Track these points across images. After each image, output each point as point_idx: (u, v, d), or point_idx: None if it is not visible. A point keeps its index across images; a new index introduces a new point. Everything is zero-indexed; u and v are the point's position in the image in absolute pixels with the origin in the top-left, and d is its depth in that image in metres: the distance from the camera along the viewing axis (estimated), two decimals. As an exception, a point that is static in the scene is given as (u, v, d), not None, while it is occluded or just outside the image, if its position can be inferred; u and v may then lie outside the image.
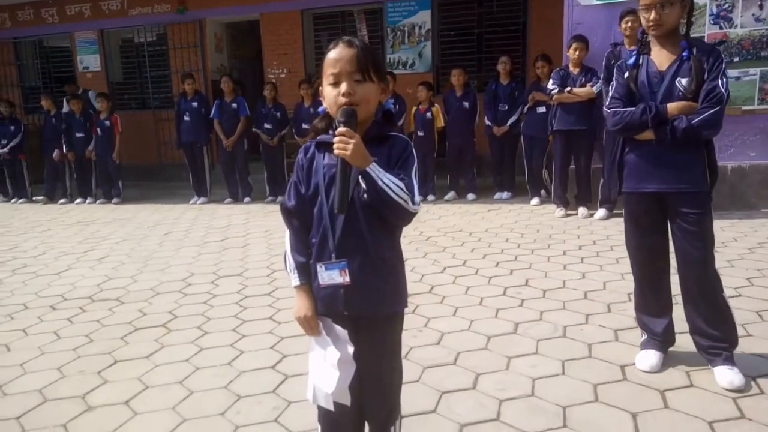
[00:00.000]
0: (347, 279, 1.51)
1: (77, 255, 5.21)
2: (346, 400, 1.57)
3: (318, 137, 1.59)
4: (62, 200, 8.48)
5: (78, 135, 8.22)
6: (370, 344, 1.59)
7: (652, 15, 2.27)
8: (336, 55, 1.48)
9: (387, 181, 1.43)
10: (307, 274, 1.58)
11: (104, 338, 3.20)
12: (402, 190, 1.44)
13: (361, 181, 1.45)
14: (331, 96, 1.49)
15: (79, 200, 8.40)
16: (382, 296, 1.56)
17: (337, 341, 1.55)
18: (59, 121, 8.41)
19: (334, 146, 1.41)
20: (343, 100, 1.46)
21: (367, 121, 1.53)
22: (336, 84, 1.48)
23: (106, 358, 2.93)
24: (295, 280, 1.60)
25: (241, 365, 2.76)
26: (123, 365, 2.84)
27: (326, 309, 1.56)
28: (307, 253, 1.59)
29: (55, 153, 8.36)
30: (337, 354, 1.53)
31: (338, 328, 1.55)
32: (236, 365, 2.77)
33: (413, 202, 1.46)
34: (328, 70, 1.49)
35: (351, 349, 1.54)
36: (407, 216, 1.49)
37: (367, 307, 1.56)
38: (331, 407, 1.57)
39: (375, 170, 1.42)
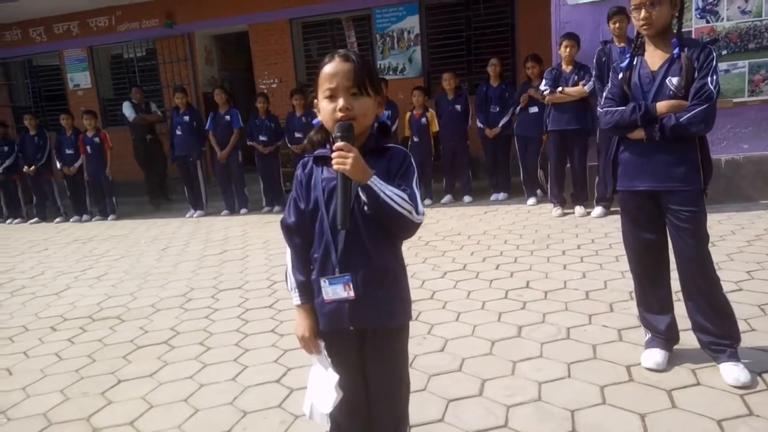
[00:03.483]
0: (351, 294, 1.49)
1: (76, 274, 5.19)
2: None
3: (316, 152, 1.58)
4: (58, 219, 8.44)
5: (68, 152, 8.18)
6: (377, 357, 1.58)
7: (642, 14, 2.29)
8: (332, 69, 1.47)
9: (389, 193, 1.42)
10: (308, 293, 1.57)
11: (106, 358, 3.18)
12: (405, 200, 1.43)
13: (362, 194, 1.44)
14: (328, 110, 1.48)
15: (74, 218, 8.37)
16: (388, 309, 1.54)
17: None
18: (42, 140, 8.37)
19: (333, 161, 1.40)
20: (340, 115, 1.45)
21: (364, 134, 1.52)
22: (332, 98, 1.47)
23: (109, 378, 2.91)
24: (296, 300, 1.59)
25: (246, 380, 2.75)
26: (127, 385, 2.82)
27: (331, 325, 1.55)
28: (308, 271, 1.58)
29: (29, 168, 8.29)
30: (337, 376, 1.52)
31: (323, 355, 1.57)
32: (240, 380, 2.75)
33: (417, 212, 1.45)
34: (324, 84, 1.48)
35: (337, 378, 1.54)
36: (412, 227, 1.48)
37: (372, 322, 1.55)
38: (327, 427, 1.55)
39: (376, 183, 1.41)
